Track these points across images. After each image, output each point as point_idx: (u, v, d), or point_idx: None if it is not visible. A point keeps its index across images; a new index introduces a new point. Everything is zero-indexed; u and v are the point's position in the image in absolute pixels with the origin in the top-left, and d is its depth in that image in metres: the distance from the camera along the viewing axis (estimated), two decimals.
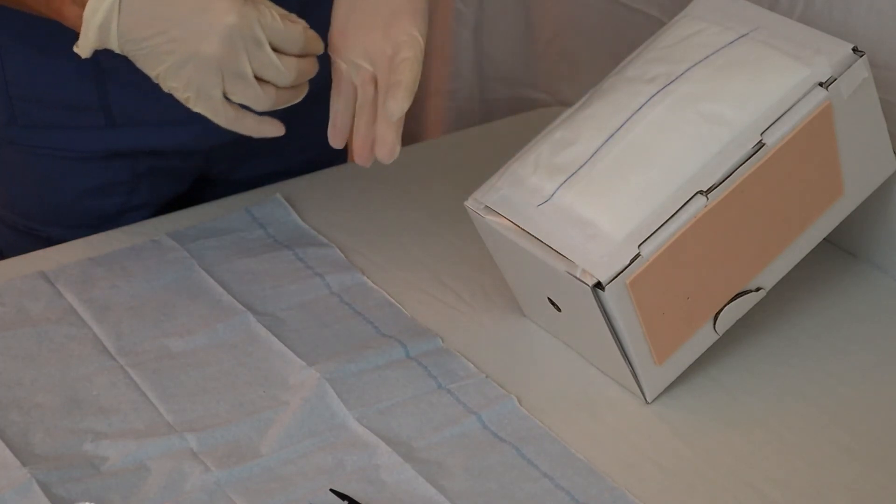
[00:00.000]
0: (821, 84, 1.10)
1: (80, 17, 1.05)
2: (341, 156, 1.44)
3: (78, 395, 1.10)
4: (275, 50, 1.06)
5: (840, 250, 1.27)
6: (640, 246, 1.05)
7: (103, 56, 1.10)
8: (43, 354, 1.14)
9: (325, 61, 1.14)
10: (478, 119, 1.69)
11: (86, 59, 1.10)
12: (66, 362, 1.14)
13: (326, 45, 1.13)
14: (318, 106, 1.16)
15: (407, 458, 1.04)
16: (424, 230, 1.31)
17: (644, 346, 1.09)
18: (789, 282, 1.15)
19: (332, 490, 1.02)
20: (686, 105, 1.10)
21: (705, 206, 1.06)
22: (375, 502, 1.01)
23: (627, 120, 1.11)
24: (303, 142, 1.37)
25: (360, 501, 1.01)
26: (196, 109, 1.08)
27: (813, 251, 1.15)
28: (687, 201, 1.06)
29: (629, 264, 1.05)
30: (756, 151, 1.08)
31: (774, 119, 1.09)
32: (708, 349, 1.13)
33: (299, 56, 1.08)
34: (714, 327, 1.12)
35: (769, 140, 1.08)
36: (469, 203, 1.15)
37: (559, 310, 1.13)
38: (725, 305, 1.11)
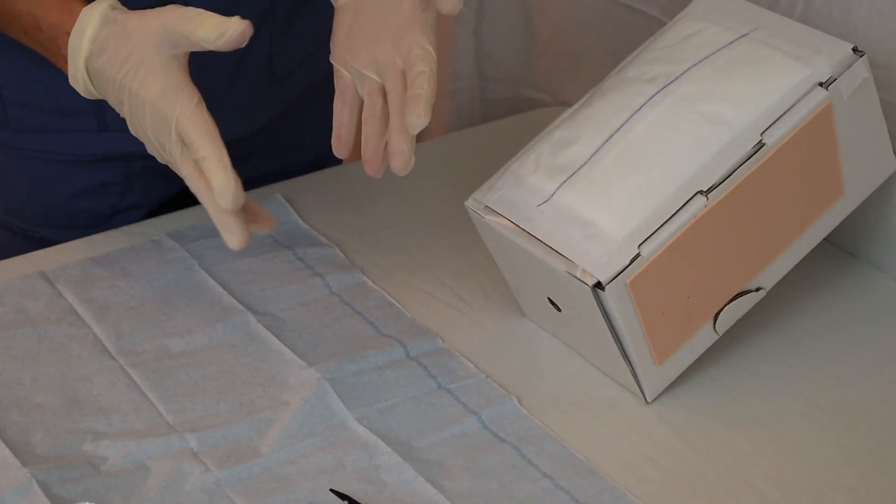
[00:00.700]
0: (821, 84, 1.10)
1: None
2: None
3: (78, 395, 1.10)
4: None
5: (840, 250, 1.27)
6: (640, 246, 1.05)
7: None
8: (43, 354, 1.14)
9: (321, 61, 1.14)
10: (478, 119, 1.69)
11: None
12: (66, 362, 1.14)
13: (321, 50, 1.12)
14: (315, 106, 1.16)
15: (407, 458, 1.04)
16: (424, 230, 1.31)
17: (644, 346, 1.09)
18: (789, 282, 1.15)
19: (332, 490, 1.02)
20: (686, 105, 1.10)
21: (705, 206, 1.06)
22: (375, 502, 1.01)
23: (627, 120, 1.11)
24: (299, 143, 1.38)
25: (360, 501, 1.01)
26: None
27: (813, 251, 1.15)
28: (687, 201, 1.06)
29: (629, 264, 1.05)
30: (756, 151, 1.08)
31: (774, 119, 1.09)
32: (708, 349, 1.13)
33: None
34: (714, 327, 1.12)
35: (769, 140, 1.08)
36: (469, 203, 1.15)
37: (559, 310, 1.13)
38: (725, 305, 1.11)
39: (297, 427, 1.07)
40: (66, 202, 1.34)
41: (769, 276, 1.13)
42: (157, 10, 1.06)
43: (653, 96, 1.12)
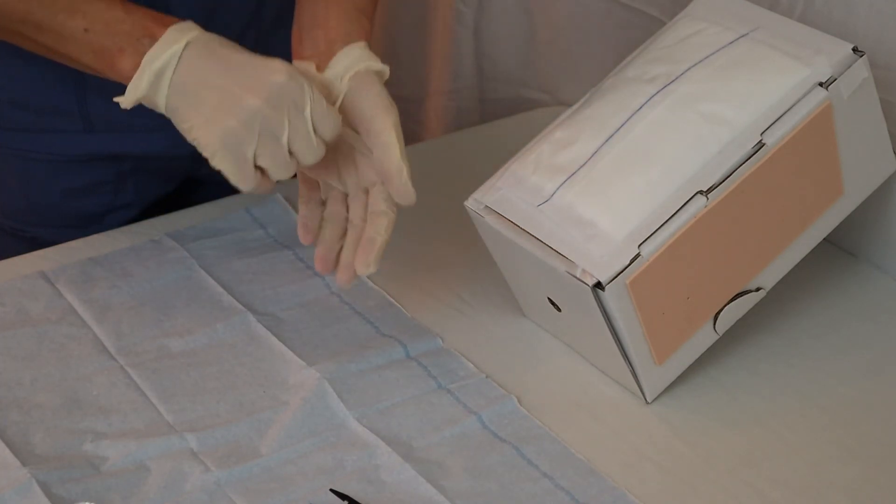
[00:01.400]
0: (821, 84, 1.10)
1: (135, 66, 1.04)
2: None
3: (78, 395, 1.10)
4: None
5: (840, 250, 1.27)
6: (640, 246, 1.05)
7: None
8: (43, 354, 1.14)
9: None
10: (478, 119, 1.69)
11: (65, 66, 1.10)
12: (66, 362, 1.14)
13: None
14: None
15: (407, 458, 1.04)
16: (424, 230, 1.31)
17: (644, 346, 1.09)
18: (789, 282, 1.15)
19: (332, 490, 1.02)
20: (686, 105, 1.10)
21: (705, 206, 1.06)
22: (375, 502, 1.01)
23: (627, 120, 1.11)
24: None
25: (360, 501, 1.01)
26: (218, 166, 1.05)
27: (813, 251, 1.15)
28: (687, 201, 1.06)
29: (629, 264, 1.05)
30: (756, 151, 1.08)
31: (774, 119, 1.09)
32: (708, 349, 1.13)
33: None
34: (714, 327, 1.12)
35: (769, 140, 1.08)
36: (469, 203, 1.15)
37: (559, 310, 1.13)
38: (725, 305, 1.11)
39: (297, 427, 1.07)
40: (57, 202, 1.34)
41: (769, 276, 1.13)
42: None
43: (653, 96, 1.12)
